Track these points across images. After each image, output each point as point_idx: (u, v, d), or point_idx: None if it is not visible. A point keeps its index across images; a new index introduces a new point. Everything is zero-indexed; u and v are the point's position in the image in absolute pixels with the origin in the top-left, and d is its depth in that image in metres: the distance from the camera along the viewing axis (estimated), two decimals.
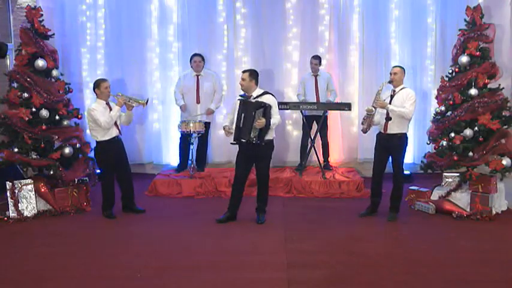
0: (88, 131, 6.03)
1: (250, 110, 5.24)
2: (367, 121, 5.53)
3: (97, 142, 5.68)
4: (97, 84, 5.67)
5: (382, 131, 5.51)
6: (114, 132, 5.67)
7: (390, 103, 5.43)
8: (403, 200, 6.03)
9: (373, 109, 5.46)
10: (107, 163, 5.71)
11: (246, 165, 5.50)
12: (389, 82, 5.51)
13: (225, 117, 6.26)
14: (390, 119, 5.40)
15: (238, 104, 5.43)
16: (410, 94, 5.48)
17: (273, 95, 5.50)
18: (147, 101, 5.84)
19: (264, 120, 5.21)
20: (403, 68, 5.60)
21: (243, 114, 5.30)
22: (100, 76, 7.57)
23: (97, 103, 5.63)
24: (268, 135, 5.35)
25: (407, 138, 5.55)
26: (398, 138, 5.48)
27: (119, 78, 7.71)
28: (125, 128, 6.45)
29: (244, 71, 5.48)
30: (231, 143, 5.49)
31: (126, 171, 5.87)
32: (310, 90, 7.31)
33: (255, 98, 5.35)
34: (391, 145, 5.51)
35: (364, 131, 5.63)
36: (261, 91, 5.43)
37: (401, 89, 5.50)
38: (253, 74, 5.40)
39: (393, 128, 5.44)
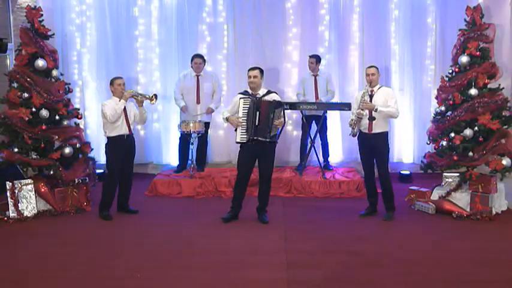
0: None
1: (269, 109, 5.22)
2: (357, 125, 5.54)
3: (107, 138, 5.71)
4: (111, 82, 5.77)
5: (367, 131, 5.51)
6: (122, 130, 5.66)
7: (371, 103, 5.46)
8: (403, 200, 6.05)
9: (363, 112, 5.47)
10: (112, 161, 5.70)
11: (250, 164, 5.48)
12: (369, 83, 5.53)
13: (220, 112, 6.11)
14: (374, 119, 5.43)
15: (243, 102, 5.33)
16: (390, 92, 5.57)
17: (276, 93, 5.53)
18: (155, 96, 5.79)
19: (282, 119, 5.29)
20: (377, 67, 5.63)
21: (258, 113, 5.24)
22: (100, 76, 7.61)
23: (111, 99, 5.71)
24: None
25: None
26: (383, 137, 5.53)
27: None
28: None
29: (253, 68, 5.41)
30: (239, 142, 5.36)
31: (128, 172, 5.86)
32: (310, 90, 7.29)
33: (262, 97, 5.33)
34: (375, 144, 5.53)
35: (354, 135, 5.63)
36: (266, 90, 5.45)
37: (378, 88, 5.54)
38: (261, 72, 5.43)
39: (378, 127, 5.48)
